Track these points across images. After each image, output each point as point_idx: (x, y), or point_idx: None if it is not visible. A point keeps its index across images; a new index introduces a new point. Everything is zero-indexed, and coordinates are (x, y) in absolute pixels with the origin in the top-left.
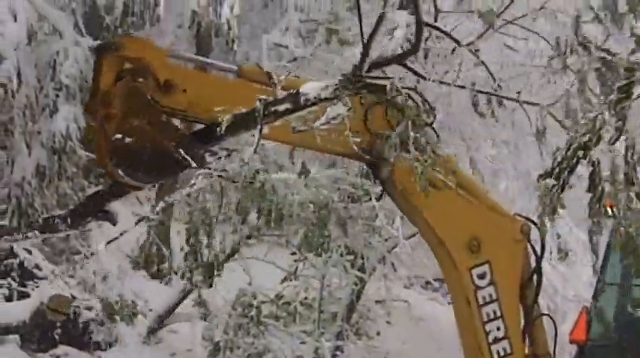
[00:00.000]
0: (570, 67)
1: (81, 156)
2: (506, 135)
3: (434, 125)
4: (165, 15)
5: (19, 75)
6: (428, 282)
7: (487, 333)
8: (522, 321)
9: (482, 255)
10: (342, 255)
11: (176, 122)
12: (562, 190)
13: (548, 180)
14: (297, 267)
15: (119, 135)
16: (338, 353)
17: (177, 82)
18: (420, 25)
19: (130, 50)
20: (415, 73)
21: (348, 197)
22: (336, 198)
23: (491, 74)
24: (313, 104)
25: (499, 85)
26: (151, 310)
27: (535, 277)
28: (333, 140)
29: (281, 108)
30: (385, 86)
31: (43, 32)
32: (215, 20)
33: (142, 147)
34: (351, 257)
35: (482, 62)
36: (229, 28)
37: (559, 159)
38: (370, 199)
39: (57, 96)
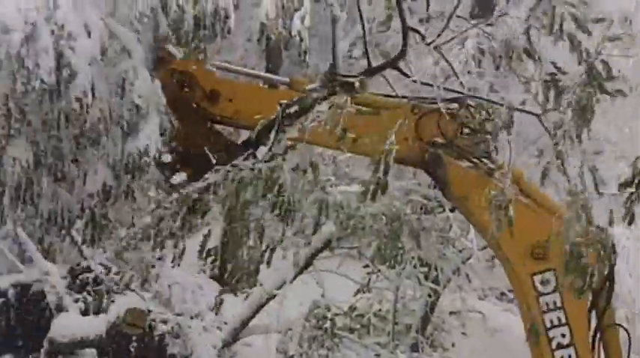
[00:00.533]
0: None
1: (154, 173)
2: (583, 145)
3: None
4: (236, 28)
5: (92, 89)
6: (502, 293)
7: (550, 339)
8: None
9: (547, 263)
10: (415, 267)
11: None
12: None
13: (628, 189)
14: (369, 279)
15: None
16: None
17: (222, 92)
18: (405, 30)
19: (176, 63)
20: (402, 72)
21: (421, 208)
22: (409, 210)
23: (457, 75)
24: (312, 105)
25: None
26: (225, 323)
27: (607, 285)
28: (368, 144)
29: (292, 110)
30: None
31: (113, 49)
32: (284, 33)
33: (184, 150)
34: (425, 269)
35: (449, 63)
36: (301, 40)
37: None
38: (444, 210)
39: (130, 110)
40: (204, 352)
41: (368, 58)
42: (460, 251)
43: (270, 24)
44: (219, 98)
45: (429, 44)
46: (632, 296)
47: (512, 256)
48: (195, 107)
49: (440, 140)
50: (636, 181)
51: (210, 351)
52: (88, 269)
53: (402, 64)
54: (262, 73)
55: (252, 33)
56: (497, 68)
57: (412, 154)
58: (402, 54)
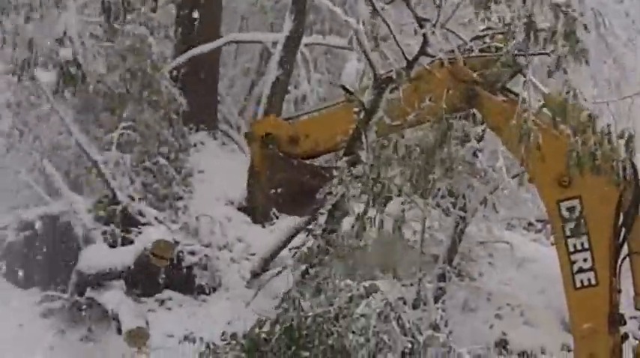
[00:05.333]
0: None
1: None
2: (608, 74)
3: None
4: None
5: None
6: (530, 223)
7: (572, 263)
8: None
9: (573, 190)
10: (443, 197)
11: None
12: None
13: None
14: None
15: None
16: (441, 294)
17: (298, 133)
18: None
19: (259, 130)
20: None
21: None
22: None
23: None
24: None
25: None
26: (253, 254)
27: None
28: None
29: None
30: None
31: None
32: None
33: (289, 191)
34: (453, 199)
35: None
36: None
37: None
38: (470, 140)
39: None
40: (233, 283)
41: None
42: (487, 182)
43: None
44: (298, 139)
45: None
46: None
47: (541, 183)
48: (282, 155)
49: (474, 77)
50: None
51: (238, 282)
52: (115, 201)
53: None
54: (327, 103)
55: None
56: None
57: (458, 100)
58: None
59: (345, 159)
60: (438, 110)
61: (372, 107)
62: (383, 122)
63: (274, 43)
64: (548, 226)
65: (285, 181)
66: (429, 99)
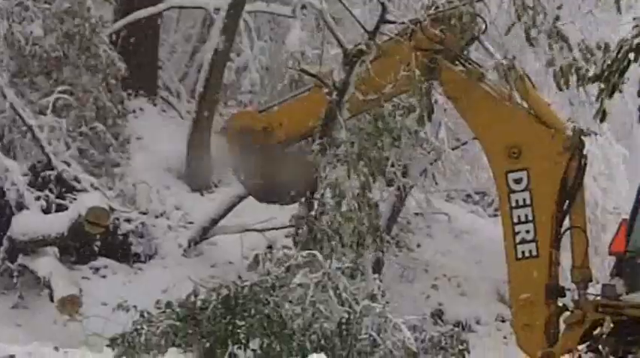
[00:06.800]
0: None
1: None
2: None
3: None
4: None
5: None
6: (469, 195)
7: (515, 234)
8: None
9: (521, 162)
10: (392, 166)
11: None
12: (612, 94)
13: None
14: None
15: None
16: (379, 265)
17: (272, 123)
18: None
19: (235, 125)
20: None
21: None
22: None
23: None
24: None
25: None
26: (191, 223)
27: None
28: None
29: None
30: None
31: None
32: None
33: (270, 181)
34: (393, 169)
35: None
36: None
37: (609, 61)
38: (415, 110)
39: None
40: (169, 251)
41: None
42: (429, 152)
43: None
44: (272, 129)
45: None
46: (595, 199)
47: (490, 153)
48: (259, 147)
49: (434, 45)
50: (605, 75)
51: (175, 250)
52: (50, 167)
53: None
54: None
55: None
56: None
57: (424, 67)
58: None
59: (318, 141)
60: (412, 80)
61: (344, 84)
62: (356, 98)
63: (217, 10)
64: (486, 198)
65: (264, 172)
66: (405, 70)
